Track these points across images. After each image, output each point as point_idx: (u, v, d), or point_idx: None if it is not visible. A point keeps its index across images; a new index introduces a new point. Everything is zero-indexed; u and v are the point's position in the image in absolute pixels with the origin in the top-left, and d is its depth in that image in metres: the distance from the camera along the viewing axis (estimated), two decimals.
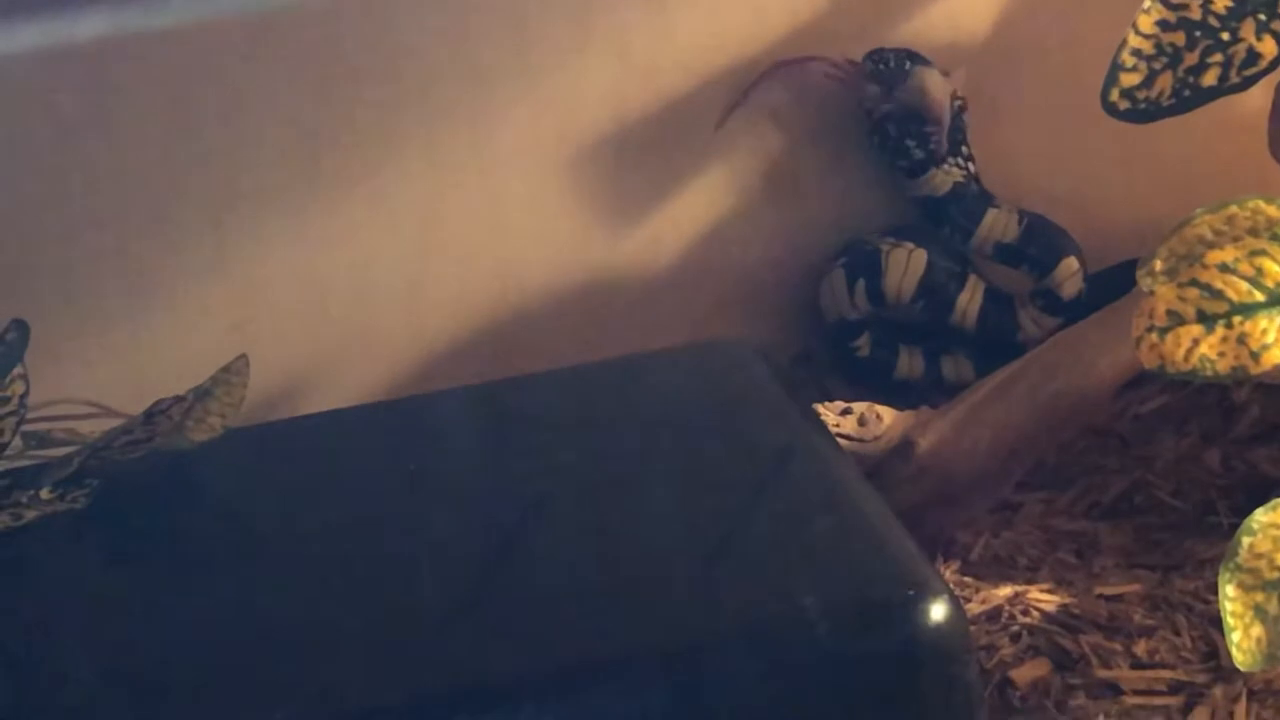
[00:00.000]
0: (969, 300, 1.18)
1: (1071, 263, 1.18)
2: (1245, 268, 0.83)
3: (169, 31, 1.02)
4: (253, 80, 1.06)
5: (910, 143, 1.14)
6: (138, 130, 1.05)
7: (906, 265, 1.18)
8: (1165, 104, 0.87)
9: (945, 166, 1.15)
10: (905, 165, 1.15)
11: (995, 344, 1.18)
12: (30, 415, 0.91)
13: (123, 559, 0.89)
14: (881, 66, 1.13)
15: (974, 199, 1.16)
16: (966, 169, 1.16)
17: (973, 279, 1.19)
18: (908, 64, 1.13)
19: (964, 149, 1.16)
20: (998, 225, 1.17)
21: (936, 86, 1.12)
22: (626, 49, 1.12)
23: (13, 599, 0.86)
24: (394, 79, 1.08)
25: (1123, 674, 0.94)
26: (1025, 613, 0.97)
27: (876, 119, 1.14)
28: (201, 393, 0.93)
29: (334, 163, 1.09)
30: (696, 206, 1.17)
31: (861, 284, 1.18)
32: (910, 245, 1.18)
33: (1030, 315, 1.19)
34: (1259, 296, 0.83)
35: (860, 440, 1.02)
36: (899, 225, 1.19)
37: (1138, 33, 0.87)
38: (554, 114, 1.12)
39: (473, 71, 1.10)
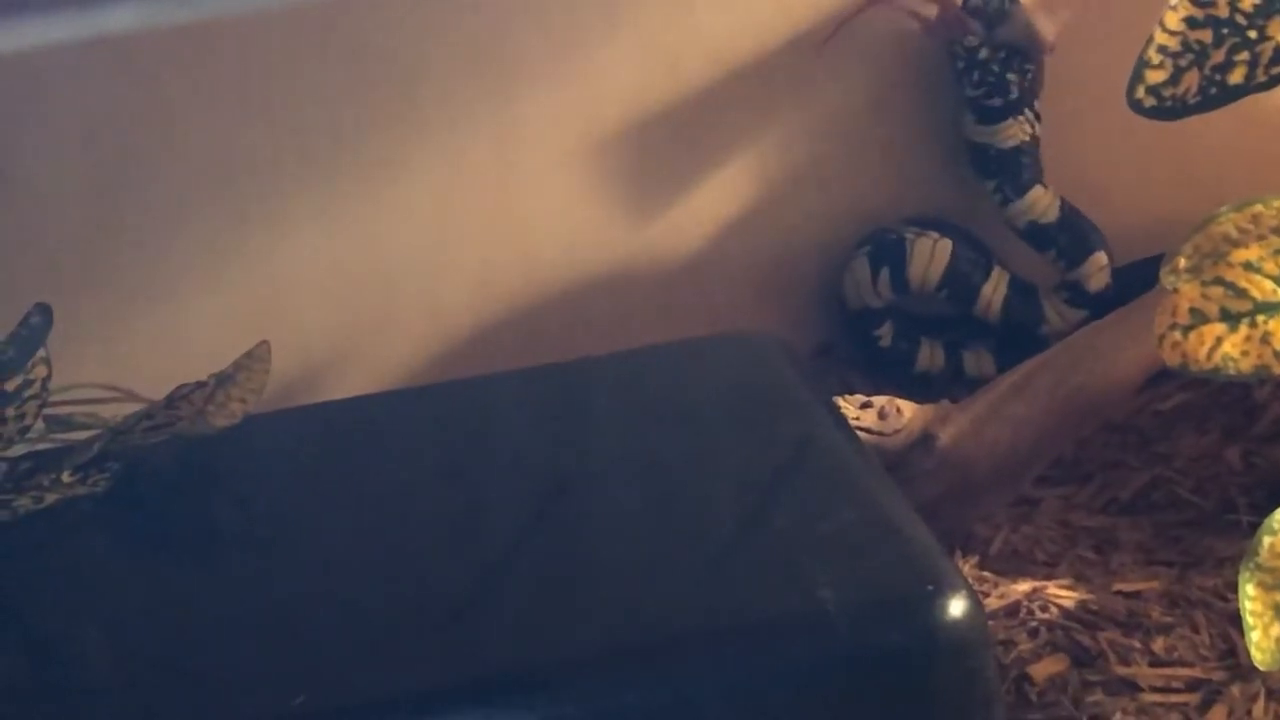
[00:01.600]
0: (993, 290, 1.18)
1: (1100, 257, 1.18)
2: (1270, 266, 0.83)
3: (196, 25, 1.02)
4: (277, 72, 1.07)
5: (1011, 77, 1.13)
6: (164, 122, 1.06)
7: (932, 254, 1.18)
8: (1191, 101, 0.87)
9: (1020, 118, 1.14)
10: (999, 104, 1.13)
11: (1019, 335, 1.18)
12: (53, 399, 0.91)
13: (141, 542, 0.90)
14: (986, 2, 1.12)
15: (1029, 167, 1.16)
16: (1034, 127, 1.15)
17: (997, 270, 1.19)
18: (1013, 1, 1.12)
19: (1036, 104, 1.15)
20: (1040, 203, 1.16)
21: (1043, 22, 1.11)
22: (651, 40, 1.11)
23: (34, 580, 0.86)
24: (418, 69, 1.09)
25: (1140, 671, 0.93)
26: (1044, 608, 0.97)
27: (975, 52, 1.13)
28: (223, 378, 0.93)
29: (357, 153, 1.09)
30: (718, 197, 1.17)
31: (886, 272, 1.18)
32: (935, 234, 1.18)
33: (1055, 307, 1.18)
34: None
35: (880, 434, 1.02)
36: (923, 215, 1.19)
37: (1164, 30, 0.87)
38: (578, 104, 1.12)
39: (497, 62, 1.10)
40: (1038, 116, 1.15)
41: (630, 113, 1.13)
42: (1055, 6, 1.13)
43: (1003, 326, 1.19)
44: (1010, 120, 1.14)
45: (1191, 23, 0.87)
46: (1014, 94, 1.13)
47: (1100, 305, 1.16)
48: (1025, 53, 1.12)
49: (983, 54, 1.12)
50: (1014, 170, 1.15)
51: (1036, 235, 1.17)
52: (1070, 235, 1.17)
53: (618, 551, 0.84)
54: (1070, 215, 1.17)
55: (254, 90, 1.07)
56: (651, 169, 1.15)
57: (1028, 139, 1.15)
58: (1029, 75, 1.13)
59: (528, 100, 1.11)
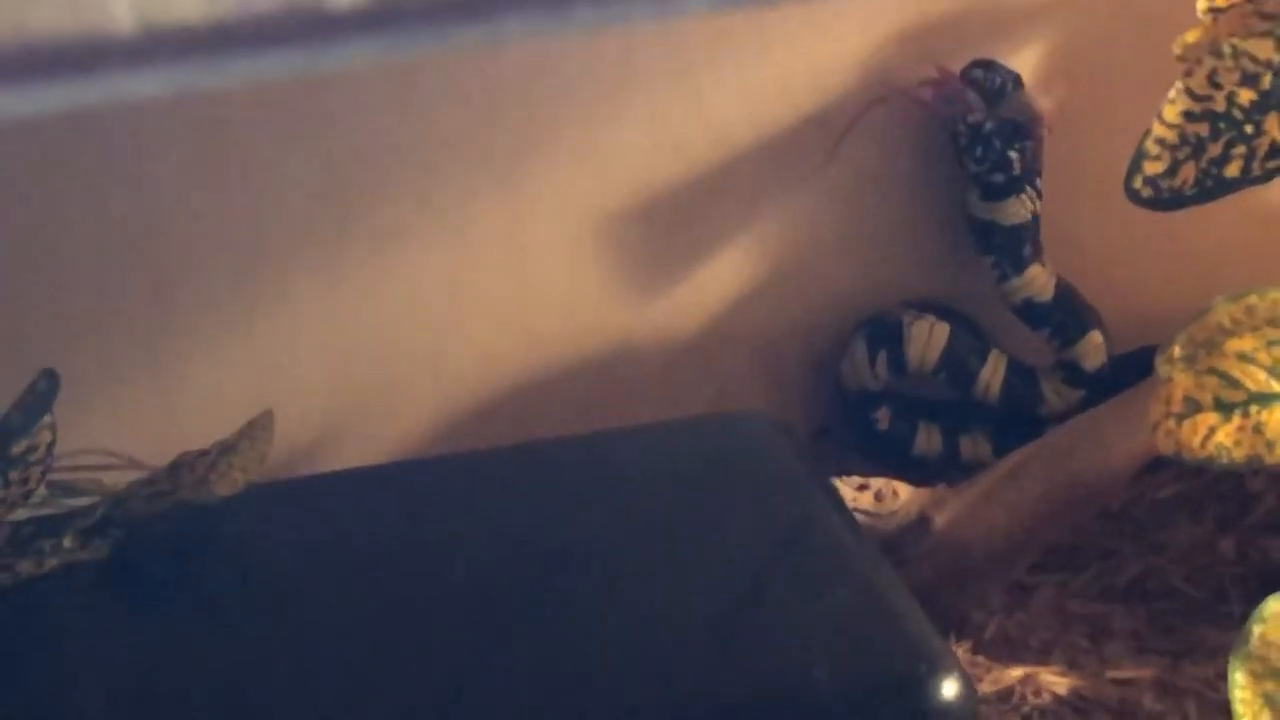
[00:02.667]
0: (992, 373, 1.19)
1: (1095, 336, 1.18)
2: (1264, 357, 0.84)
3: (206, 96, 1.03)
4: (285, 142, 1.07)
5: (1013, 154, 1.13)
6: (171, 189, 1.06)
7: (929, 337, 1.18)
8: (1188, 193, 0.88)
9: (1022, 196, 1.15)
10: (1001, 180, 1.14)
11: (1018, 417, 1.18)
12: (56, 464, 0.91)
13: (141, 608, 0.90)
14: (990, 78, 1.13)
15: (1030, 244, 1.16)
16: (1035, 204, 1.16)
17: (995, 352, 1.19)
18: (1014, 79, 1.13)
19: (1038, 181, 1.16)
20: (1037, 281, 1.17)
21: (1041, 99, 1.12)
22: (658, 122, 1.13)
23: (31, 646, 0.87)
24: (425, 143, 1.09)
25: None
26: (1037, 694, 0.98)
27: (979, 128, 1.13)
28: (225, 447, 0.94)
29: (363, 223, 1.10)
30: (721, 277, 1.18)
31: (884, 354, 1.18)
32: (932, 318, 1.18)
33: (1054, 387, 1.19)
34: (1276, 387, 0.83)
35: (876, 515, 1.03)
36: (920, 298, 1.20)
37: (1162, 122, 0.88)
38: (584, 183, 1.13)
39: (504, 139, 1.11)
40: (1039, 194, 1.16)
41: (636, 192, 1.14)
42: (1051, 85, 1.14)
43: (1002, 408, 1.19)
44: (1013, 198, 1.15)
45: (1189, 116, 0.88)
46: (1015, 170, 1.14)
47: (1097, 384, 1.17)
48: (1024, 129, 1.13)
49: (986, 128, 1.13)
50: (1015, 247, 1.16)
51: (1032, 313, 1.18)
52: (1065, 313, 1.18)
53: (611, 630, 0.84)
54: (1066, 294, 1.18)
55: (262, 161, 1.07)
56: (655, 248, 1.16)
57: (1030, 217, 1.16)
58: (1027, 152, 1.14)
59: (535, 178, 1.12)
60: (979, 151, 1.13)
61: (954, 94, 1.13)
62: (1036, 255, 1.17)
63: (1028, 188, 1.15)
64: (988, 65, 1.13)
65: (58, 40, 0.35)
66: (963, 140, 1.14)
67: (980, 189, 1.15)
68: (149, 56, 0.35)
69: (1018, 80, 1.14)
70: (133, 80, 0.35)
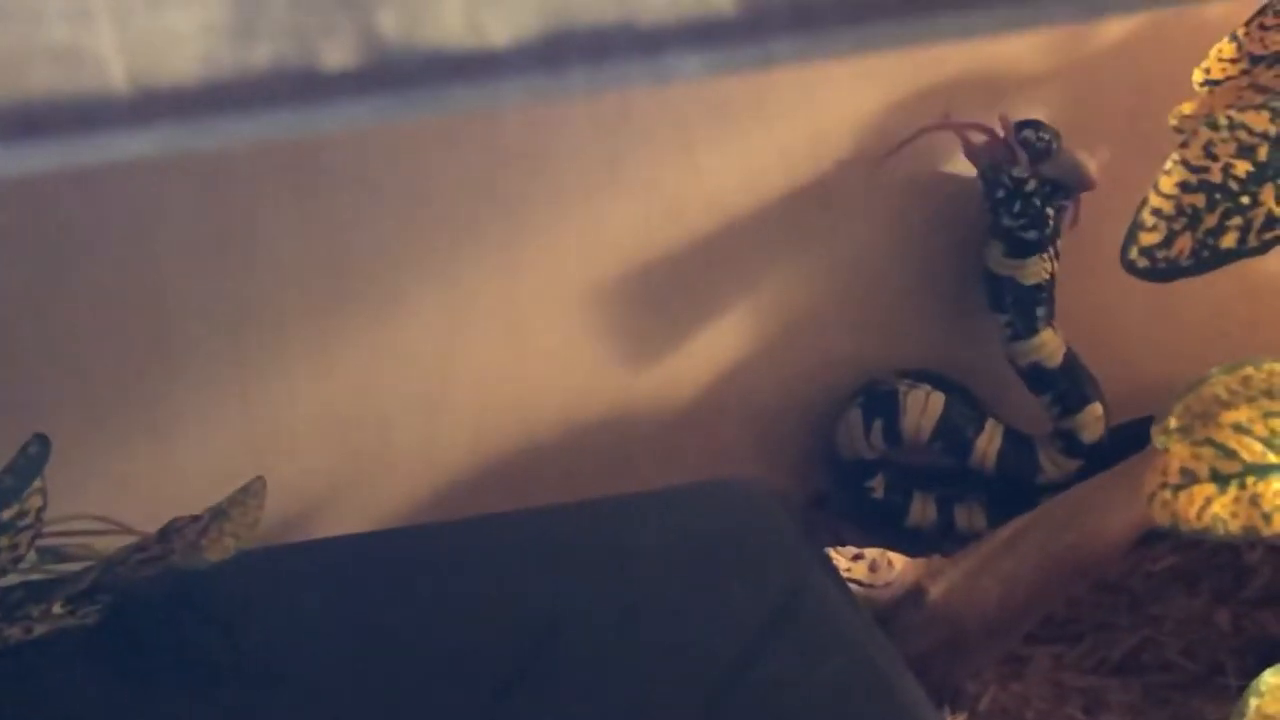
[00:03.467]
0: (988, 443, 1.19)
1: (1096, 408, 1.18)
2: (1260, 429, 0.84)
3: (197, 158, 1.03)
4: (282, 209, 1.08)
5: (1050, 211, 1.13)
6: (167, 252, 1.06)
7: (925, 406, 1.18)
8: (1184, 264, 0.88)
9: (1044, 256, 1.14)
10: (1034, 237, 1.13)
11: (1015, 486, 1.18)
12: (46, 530, 0.91)
13: (129, 675, 0.89)
14: (1038, 137, 1.13)
15: (1045, 306, 1.16)
16: (1054, 266, 1.15)
17: (991, 422, 1.19)
18: (1059, 138, 1.13)
19: (1059, 243, 1.16)
20: (1047, 346, 1.16)
21: (1087, 160, 1.12)
22: (655, 188, 1.13)
23: (19, 714, 0.86)
24: (420, 208, 1.10)
25: None
26: None
27: (1022, 183, 1.13)
28: (217, 512, 0.93)
29: (356, 288, 1.10)
30: (716, 345, 1.17)
31: (879, 424, 1.18)
32: (928, 388, 1.18)
33: (1051, 457, 1.19)
34: (1273, 458, 0.83)
35: (871, 586, 1.02)
36: (916, 369, 1.20)
37: (1158, 193, 0.88)
38: (579, 249, 1.13)
39: (500, 204, 1.11)
40: (1057, 255, 1.16)
41: (631, 260, 1.14)
42: (1094, 146, 1.14)
43: (998, 477, 1.19)
44: (1037, 257, 1.14)
45: (1185, 187, 0.88)
46: (1048, 228, 1.13)
47: (1094, 456, 1.16)
48: (1065, 189, 1.13)
49: (1030, 186, 1.12)
50: (1030, 307, 1.16)
51: (1037, 377, 1.17)
52: (1070, 382, 1.17)
53: (604, 700, 0.84)
54: (1073, 362, 1.17)
55: (259, 227, 1.08)
56: (651, 316, 1.16)
57: (1047, 277, 1.15)
58: (1060, 213, 1.14)
59: (528, 246, 1.12)
60: (1017, 206, 1.13)
61: (1003, 146, 1.12)
62: (1049, 319, 1.17)
63: (1050, 248, 1.15)
64: (1036, 125, 1.13)
65: (52, 100, 0.34)
66: (1000, 193, 1.13)
67: (1007, 244, 1.14)
68: (143, 117, 0.35)
69: (1059, 139, 1.13)
70: (127, 141, 0.35)
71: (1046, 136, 1.13)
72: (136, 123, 0.35)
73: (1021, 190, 1.12)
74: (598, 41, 0.37)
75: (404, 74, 0.37)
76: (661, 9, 0.37)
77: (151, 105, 0.35)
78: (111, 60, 0.34)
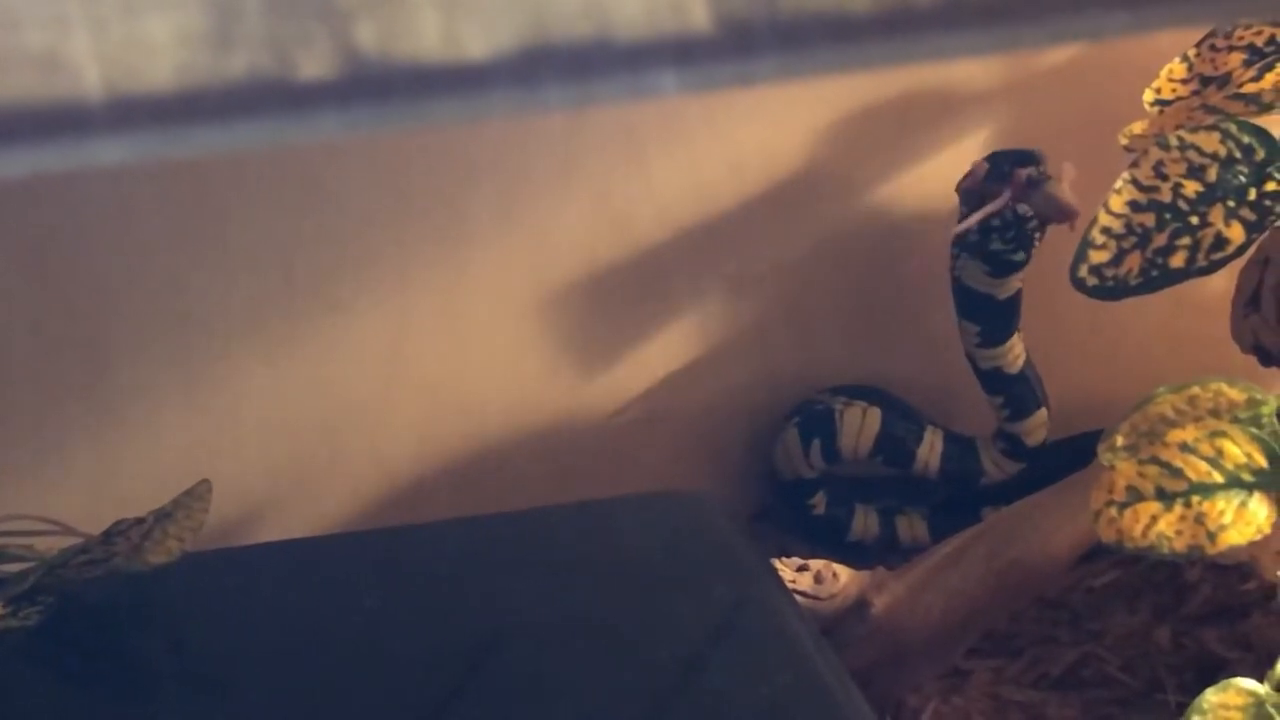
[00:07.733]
0: (929, 450, 1.19)
1: (1043, 414, 1.18)
2: (1206, 448, 0.84)
3: (148, 166, 1.03)
4: (227, 211, 1.07)
5: (1037, 237, 1.13)
6: (112, 258, 1.06)
7: (862, 424, 1.19)
8: (1133, 283, 0.88)
9: (1020, 275, 1.15)
10: (1020, 260, 1.13)
11: (959, 489, 1.19)
12: None
13: (70, 677, 0.89)
14: (1037, 171, 1.12)
15: (1014, 317, 1.17)
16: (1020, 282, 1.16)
17: (930, 429, 1.20)
18: (1041, 168, 1.13)
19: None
20: (1012, 352, 1.17)
21: (1070, 198, 1.12)
22: (604, 198, 1.13)
23: None
24: (369, 215, 1.09)
25: None
26: None
27: (1019, 213, 1.13)
28: (162, 515, 0.93)
29: (304, 294, 1.09)
30: (663, 356, 1.18)
31: (817, 443, 1.18)
32: (864, 404, 1.19)
33: (993, 458, 1.19)
34: (1218, 478, 0.84)
35: (816, 598, 1.02)
36: (849, 384, 1.20)
37: (1108, 211, 0.89)
38: (528, 257, 1.13)
39: (449, 211, 1.11)
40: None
41: (578, 269, 1.14)
42: (1064, 173, 1.14)
43: (943, 483, 1.20)
44: (1014, 275, 1.15)
45: (1135, 206, 0.89)
46: (1030, 253, 1.14)
47: (1035, 459, 1.17)
48: (1050, 219, 1.13)
49: (1028, 216, 1.12)
50: (1005, 320, 1.16)
51: (995, 380, 1.18)
52: (1024, 388, 1.18)
53: (546, 711, 0.84)
54: (1029, 370, 1.18)
55: (205, 229, 1.07)
56: (597, 326, 1.16)
57: (1017, 290, 1.16)
58: (1042, 235, 1.14)
59: (477, 253, 1.12)
60: (1011, 234, 1.13)
61: (979, 182, 1.13)
62: (1015, 328, 1.17)
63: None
64: (1035, 160, 1.14)
65: (26, 106, 0.34)
66: (997, 220, 1.14)
67: (992, 265, 1.15)
68: (119, 125, 0.35)
69: (1049, 177, 1.14)
70: (102, 148, 0.35)
71: (1037, 170, 1.14)
72: (112, 130, 0.35)
73: (1016, 219, 1.13)
74: (574, 57, 0.37)
75: (380, 86, 0.36)
76: (639, 26, 0.37)
77: (127, 113, 0.35)
78: (88, 68, 0.34)
